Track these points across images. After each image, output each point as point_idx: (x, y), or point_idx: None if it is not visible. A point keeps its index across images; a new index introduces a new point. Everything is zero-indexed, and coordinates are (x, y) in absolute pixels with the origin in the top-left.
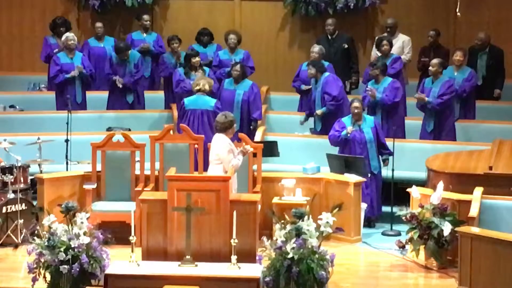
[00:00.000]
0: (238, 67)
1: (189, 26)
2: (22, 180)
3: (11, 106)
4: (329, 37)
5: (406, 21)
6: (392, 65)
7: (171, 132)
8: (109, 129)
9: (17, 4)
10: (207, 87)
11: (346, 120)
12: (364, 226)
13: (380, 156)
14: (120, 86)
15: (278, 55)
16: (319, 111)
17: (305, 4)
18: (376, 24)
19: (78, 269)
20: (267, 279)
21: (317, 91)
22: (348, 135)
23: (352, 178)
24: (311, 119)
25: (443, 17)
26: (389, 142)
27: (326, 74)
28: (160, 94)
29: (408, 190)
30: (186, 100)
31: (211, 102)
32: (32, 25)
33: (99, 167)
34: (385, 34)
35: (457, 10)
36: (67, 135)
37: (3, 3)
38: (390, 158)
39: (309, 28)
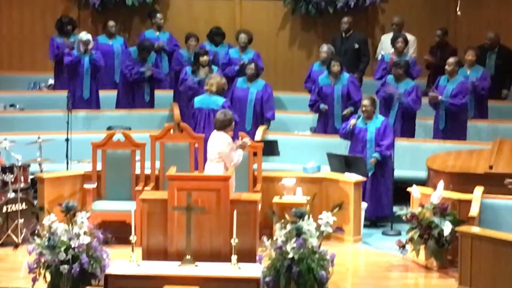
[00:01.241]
0: (252, 65)
1: (189, 25)
2: (22, 180)
3: (11, 105)
4: (343, 35)
5: (407, 20)
6: (414, 67)
7: (172, 131)
8: (109, 128)
9: (17, 3)
10: (214, 88)
11: (355, 118)
12: (367, 225)
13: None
14: (149, 74)
15: (278, 54)
16: (348, 110)
17: (305, 3)
18: (376, 23)
19: (78, 269)
20: (267, 279)
21: (337, 89)
22: (351, 127)
23: (353, 177)
24: (314, 118)
25: (444, 16)
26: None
27: (347, 74)
28: (161, 93)
29: (408, 189)
30: (196, 99)
31: (219, 101)
32: (32, 24)
33: (99, 167)
34: (391, 33)
35: (457, 9)
36: (67, 134)
37: (3, 3)
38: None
39: (310, 27)
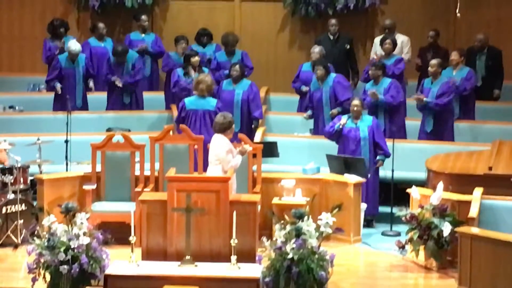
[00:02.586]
0: (237, 67)
1: (189, 27)
2: (22, 181)
3: (11, 107)
4: (331, 38)
5: (406, 21)
6: (396, 65)
7: (171, 132)
8: (109, 129)
9: (17, 4)
10: (205, 92)
11: (345, 117)
12: (363, 226)
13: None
14: (120, 85)
15: (278, 56)
16: (334, 111)
17: (305, 4)
18: (376, 24)
19: (77, 270)
20: (267, 279)
21: (325, 91)
22: (341, 126)
23: (352, 178)
24: (311, 119)
25: (443, 17)
26: (389, 143)
27: (334, 74)
28: (159, 94)
29: (408, 190)
30: (187, 101)
31: (212, 102)
32: (32, 25)
33: (99, 168)
34: (383, 35)
35: (457, 10)
36: (66, 135)
37: (3, 3)
38: (390, 158)
39: (309, 29)
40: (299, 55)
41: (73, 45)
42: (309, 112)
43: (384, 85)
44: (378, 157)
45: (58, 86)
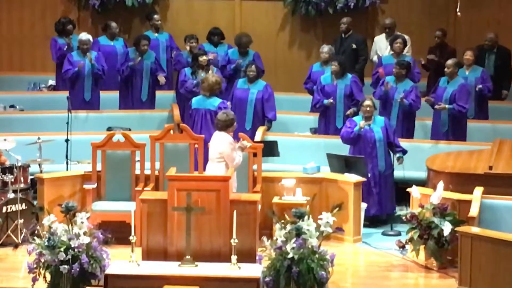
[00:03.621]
0: (253, 67)
1: (189, 26)
2: (22, 180)
3: (11, 106)
4: (342, 36)
5: (406, 20)
6: (413, 70)
7: (171, 132)
8: (109, 128)
9: (17, 4)
10: (206, 91)
11: (357, 119)
12: (369, 225)
13: (393, 155)
14: (163, 82)
15: (278, 55)
16: (351, 111)
17: (305, 3)
18: (376, 24)
19: (78, 269)
20: (267, 279)
21: (340, 88)
22: (362, 129)
23: (352, 178)
24: (314, 119)
25: (443, 16)
26: None
27: (350, 74)
28: (164, 93)
29: (408, 190)
30: (193, 100)
31: (215, 102)
32: (32, 25)
33: (99, 167)
34: (384, 34)
35: (457, 10)
36: (67, 135)
37: (3, 3)
38: (390, 158)
39: (309, 28)
40: (299, 54)
41: (84, 35)
42: (330, 100)
43: (406, 87)
44: (397, 155)
45: (89, 57)
